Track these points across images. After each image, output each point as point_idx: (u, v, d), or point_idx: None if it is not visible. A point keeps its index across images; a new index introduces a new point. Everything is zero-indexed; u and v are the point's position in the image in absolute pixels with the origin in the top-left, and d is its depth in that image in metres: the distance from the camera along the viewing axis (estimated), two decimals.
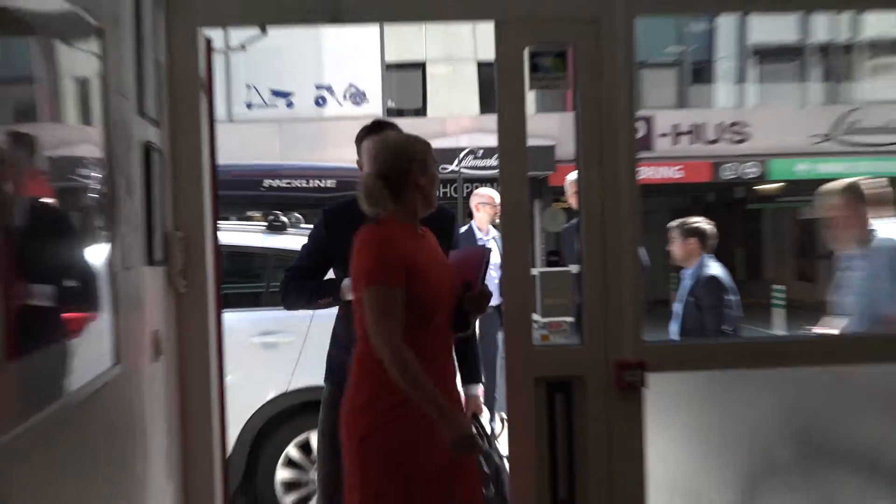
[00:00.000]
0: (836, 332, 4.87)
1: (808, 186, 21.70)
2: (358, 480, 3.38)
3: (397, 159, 3.45)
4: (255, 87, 19.13)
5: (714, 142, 19.76)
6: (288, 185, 9.34)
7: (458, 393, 3.74)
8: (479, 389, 4.16)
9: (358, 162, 4.20)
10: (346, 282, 3.82)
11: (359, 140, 4.16)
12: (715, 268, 6.12)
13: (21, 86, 2.08)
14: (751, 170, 20.00)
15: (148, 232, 3.28)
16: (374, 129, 4.07)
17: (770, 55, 21.52)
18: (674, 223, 6.47)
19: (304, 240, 4.29)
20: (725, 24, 20.88)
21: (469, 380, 4.08)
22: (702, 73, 21.57)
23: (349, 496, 3.44)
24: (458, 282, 3.59)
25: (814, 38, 21.34)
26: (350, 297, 3.71)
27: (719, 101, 21.22)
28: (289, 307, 4.29)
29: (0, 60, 1.93)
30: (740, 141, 19.82)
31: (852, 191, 4.92)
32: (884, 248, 4.74)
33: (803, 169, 20.32)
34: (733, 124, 19.93)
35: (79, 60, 2.46)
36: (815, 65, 21.47)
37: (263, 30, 8.74)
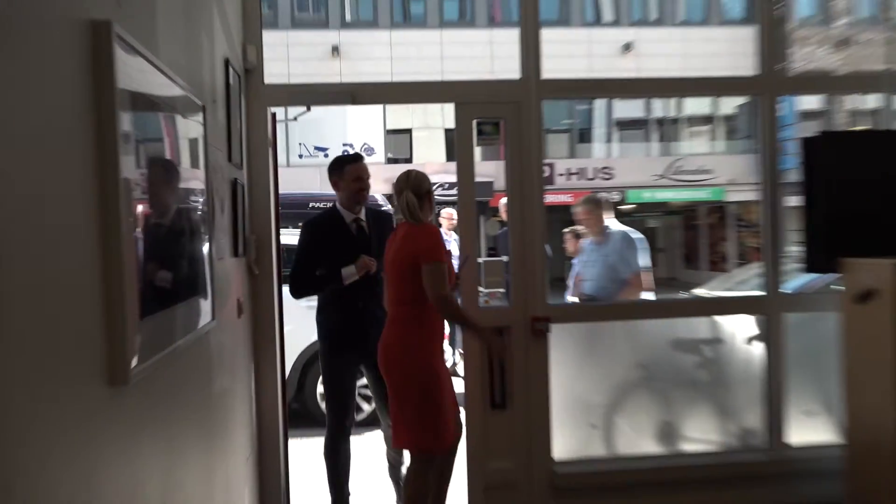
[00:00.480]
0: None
1: (651, 207, 21.98)
2: (401, 394, 3.31)
3: (422, 185, 3.38)
4: (304, 144, 19.10)
5: (592, 179, 19.86)
6: (324, 206, 9.38)
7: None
8: None
9: (335, 182, 3.83)
10: (346, 270, 3.69)
11: (339, 166, 3.82)
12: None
13: (155, 143, 2.07)
14: (615, 197, 20.13)
15: (234, 235, 3.26)
16: (357, 158, 3.90)
17: (627, 125, 21.62)
18: (566, 230, 6.49)
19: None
20: (599, 104, 20.97)
21: None
22: (584, 135, 21.63)
23: (394, 408, 3.35)
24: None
25: (653, 114, 21.46)
26: (350, 280, 3.70)
27: (595, 153, 21.29)
28: (298, 297, 3.89)
29: (144, 127, 1.92)
30: (609, 178, 19.93)
31: (592, 201, 5.16)
32: (613, 236, 5.02)
33: (648, 196, 20.48)
34: (604, 168, 20.06)
35: (191, 126, 2.45)
36: (655, 131, 21.60)
37: (308, 108, 8.74)
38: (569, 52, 16.87)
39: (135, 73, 1.82)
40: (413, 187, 3.36)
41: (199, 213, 2.50)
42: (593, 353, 4.16)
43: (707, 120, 21.72)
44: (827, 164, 3.78)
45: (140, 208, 1.83)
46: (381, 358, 3.36)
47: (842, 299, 3.76)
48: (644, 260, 4.94)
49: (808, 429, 4.17)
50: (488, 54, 16.32)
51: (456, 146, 4.06)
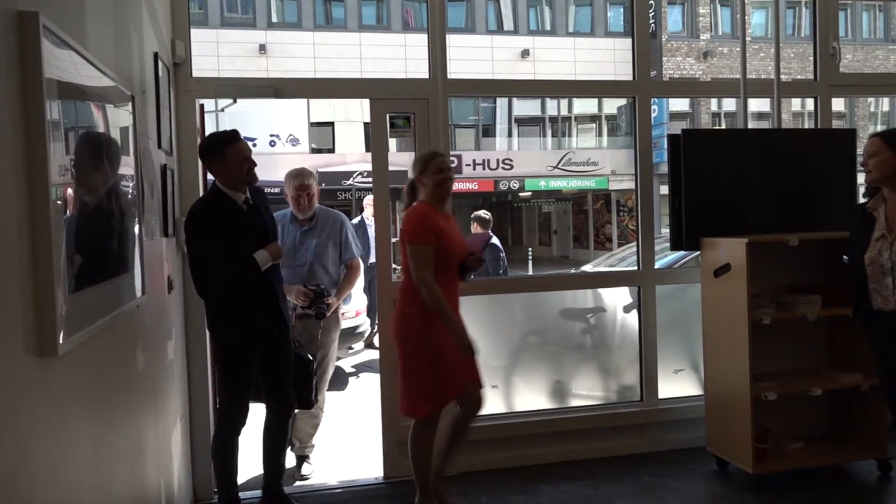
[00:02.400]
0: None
1: (546, 194, 22.39)
2: (403, 363, 3.16)
3: (415, 167, 3.22)
4: None
5: (495, 169, 20.03)
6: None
7: (460, 313, 3.27)
8: None
9: (215, 166, 3.09)
10: (260, 256, 3.07)
11: (218, 149, 3.08)
12: (494, 239, 6.24)
13: (86, 130, 1.97)
14: (515, 185, 20.38)
15: (164, 217, 3.13)
16: (237, 137, 3.15)
17: (525, 121, 21.89)
18: (472, 215, 6.54)
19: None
20: (501, 103, 21.13)
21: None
22: (488, 130, 21.78)
23: (401, 375, 3.18)
24: (466, 250, 3.33)
25: (548, 112, 21.81)
26: (267, 266, 3.09)
27: (498, 146, 21.48)
28: (211, 296, 3.12)
29: (73, 115, 1.82)
30: (509, 168, 20.14)
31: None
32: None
33: (543, 184, 20.84)
34: (505, 159, 20.25)
35: (121, 115, 2.33)
36: (549, 127, 21.96)
37: (235, 101, 8.44)
38: (474, 56, 16.95)
39: (63, 63, 1.73)
40: (413, 170, 3.26)
41: (130, 195, 2.39)
42: (495, 322, 4.21)
43: (594, 118, 22.25)
44: (689, 158, 3.93)
45: (70, 190, 1.74)
46: (390, 327, 3.29)
47: (702, 273, 3.94)
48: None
49: (676, 384, 4.36)
50: (402, 56, 16.19)
51: (371, 138, 4.02)
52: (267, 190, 3.61)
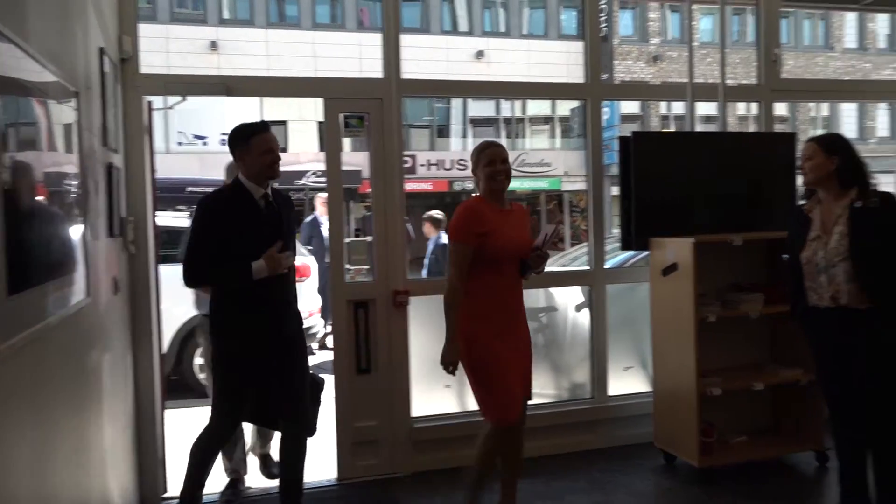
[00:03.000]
0: None
1: None
2: (466, 369, 2.99)
3: (473, 160, 3.03)
4: (184, 132, 18.11)
5: (450, 170, 20.08)
6: (201, 190, 9.07)
7: (519, 322, 3.06)
8: None
9: (240, 156, 2.98)
10: (257, 265, 2.87)
11: (244, 138, 2.96)
12: (444, 238, 6.26)
13: (29, 127, 1.91)
14: (469, 185, 20.47)
15: (109, 217, 3.05)
16: (265, 127, 3.03)
17: (480, 122, 21.98)
18: (425, 215, 6.55)
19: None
20: (456, 104, 21.18)
21: None
22: (443, 130, 21.81)
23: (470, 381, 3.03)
24: (528, 246, 3.04)
25: (502, 113, 21.96)
26: (259, 276, 2.87)
27: (453, 147, 21.53)
28: (194, 286, 3.14)
29: (16, 111, 1.77)
30: (464, 169, 20.21)
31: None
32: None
33: None
34: (460, 160, 20.30)
35: (64, 111, 2.27)
36: (503, 128, 22.12)
37: (184, 98, 8.26)
38: (429, 56, 16.95)
39: (3, 57, 1.68)
40: (470, 162, 3.07)
41: (73, 194, 2.32)
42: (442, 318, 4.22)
43: (547, 120, 22.48)
44: (639, 160, 4.01)
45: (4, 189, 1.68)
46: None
47: (651, 272, 4.02)
48: None
49: (626, 381, 4.44)
50: (357, 55, 16.07)
51: (325, 138, 3.99)
52: (201, 189, 3.57)
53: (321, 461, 4.08)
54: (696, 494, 3.60)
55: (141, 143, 3.58)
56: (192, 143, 18.13)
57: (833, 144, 3.02)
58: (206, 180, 10.82)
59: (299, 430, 3.11)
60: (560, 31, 20.92)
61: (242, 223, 2.94)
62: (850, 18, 21.38)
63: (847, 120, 21.89)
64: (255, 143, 2.95)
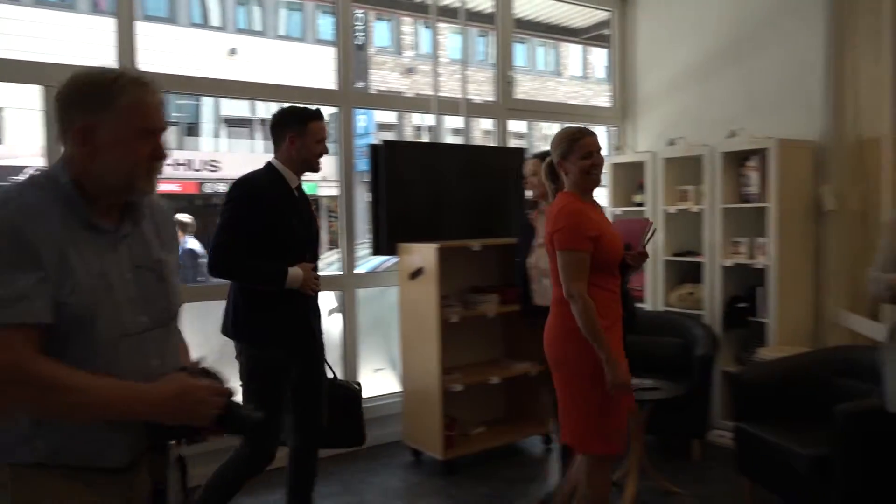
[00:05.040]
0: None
1: None
2: (563, 389, 2.64)
3: (555, 148, 2.65)
4: None
5: (199, 171, 19.06)
6: None
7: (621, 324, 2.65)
8: None
9: (291, 138, 2.77)
10: (294, 272, 2.64)
11: (302, 120, 2.78)
12: (192, 242, 5.92)
13: None
14: (221, 187, 19.63)
15: None
16: (321, 115, 2.84)
17: (234, 122, 21.16)
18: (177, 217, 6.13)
19: None
20: (207, 101, 20.16)
21: None
22: (192, 129, 20.62)
23: (562, 402, 2.65)
24: (622, 243, 2.68)
25: (258, 114, 21.39)
26: (293, 286, 2.63)
27: (203, 147, 20.45)
28: (219, 276, 2.74)
29: None
30: (215, 171, 19.33)
31: None
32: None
33: None
34: (211, 161, 19.39)
35: None
36: (260, 129, 21.55)
37: None
38: (175, 50, 15.91)
39: None
40: (554, 152, 2.66)
41: None
42: (190, 332, 3.99)
43: None
44: (388, 168, 4.17)
45: None
46: (544, 343, 2.70)
47: (399, 276, 4.20)
48: None
49: (378, 382, 4.57)
50: (88, 41, 14.60)
51: (47, 129, 3.57)
52: None
53: None
54: (442, 486, 3.83)
55: None
56: None
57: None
58: None
59: (315, 439, 2.95)
60: (317, 36, 20.92)
61: (280, 209, 2.69)
62: (576, 50, 24.25)
63: None
64: (312, 129, 2.76)
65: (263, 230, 2.66)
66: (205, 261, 5.77)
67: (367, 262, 4.97)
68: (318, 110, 2.84)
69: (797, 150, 4.21)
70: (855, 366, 3.37)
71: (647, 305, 4.87)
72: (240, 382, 2.75)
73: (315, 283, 2.79)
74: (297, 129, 2.77)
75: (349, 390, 3.13)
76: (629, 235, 2.77)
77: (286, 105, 2.90)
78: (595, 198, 2.74)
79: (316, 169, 2.84)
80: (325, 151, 2.84)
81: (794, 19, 4.39)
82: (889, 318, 3.07)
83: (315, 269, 2.85)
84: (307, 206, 2.86)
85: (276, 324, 2.73)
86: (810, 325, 4.21)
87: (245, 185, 2.73)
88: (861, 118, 4.03)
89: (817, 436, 2.98)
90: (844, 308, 4.10)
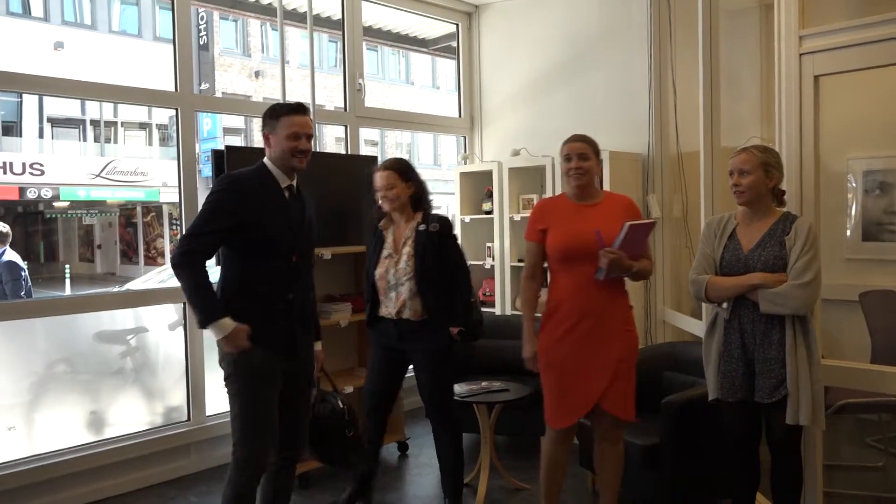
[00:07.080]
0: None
1: (86, 205, 20.22)
2: None
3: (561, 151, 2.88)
4: None
5: (21, 174, 17.35)
6: None
7: (600, 327, 2.76)
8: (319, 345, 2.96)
9: (266, 136, 2.63)
10: (224, 322, 2.45)
11: (274, 115, 2.62)
12: (10, 254, 5.32)
13: None
14: (48, 193, 17.97)
15: None
16: (298, 109, 2.63)
17: (61, 122, 19.48)
18: None
19: None
20: (29, 98, 18.43)
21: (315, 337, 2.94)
22: (12, 129, 18.73)
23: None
24: (604, 244, 2.67)
25: (89, 114, 19.84)
26: (215, 336, 2.47)
27: (25, 148, 18.63)
28: (181, 272, 2.49)
29: None
30: (40, 174, 17.67)
31: None
32: None
33: (83, 194, 18.82)
34: (35, 163, 17.74)
35: None
36: (90, 131, 19.98)
37: None
38: None
39: None
40: None
41: None
42: (11, 353, 3.63)
43: (143, 126, 20.98)
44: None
45: None
46: None
47: None
48: None
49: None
50: None
51: None
52: None
53: None
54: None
55: None
56: None
57: (408, 172, 3.37)
58: None
59: (294, 454, 2.81)
60: (156, 34, 19.75)
61: (264, 210, 2.54)
62: (426, 60, 24.68)
63: (424, 147, 25.17)
64: (284, 124, 2.58)
65: (244, 225, 2.51)
66: (26, 273, 5.27)
67: (213, 271, 4.72)
68: (296, 104, 2.69)
69: (626, 161, 4.53)
70: (681, 360, 3.68)
71: (496, 310, 5.03)
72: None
73: (243, 344, 2.54)
74: (270, 126, 2.65)
75: (334, 407, 2.99)
76: (634, 238, 2.70)
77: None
78: (595, 197, 2.84)
79: (295, 167, 2.65)
80: (304, 148, 2.63)
81: (622, 41, 4.74)
82: (708, 315, 3.37)
83: (309, 270, 2.81)
84: (300, 207, 2.73)
85: (257, 322, 2.57)
86: (642, 323, 4.54)
87: (231, 179, 2.60)
88: (681, 134, 4.43)
89: (649, 427, 3.21)
90: (670, 307, 4.47)
